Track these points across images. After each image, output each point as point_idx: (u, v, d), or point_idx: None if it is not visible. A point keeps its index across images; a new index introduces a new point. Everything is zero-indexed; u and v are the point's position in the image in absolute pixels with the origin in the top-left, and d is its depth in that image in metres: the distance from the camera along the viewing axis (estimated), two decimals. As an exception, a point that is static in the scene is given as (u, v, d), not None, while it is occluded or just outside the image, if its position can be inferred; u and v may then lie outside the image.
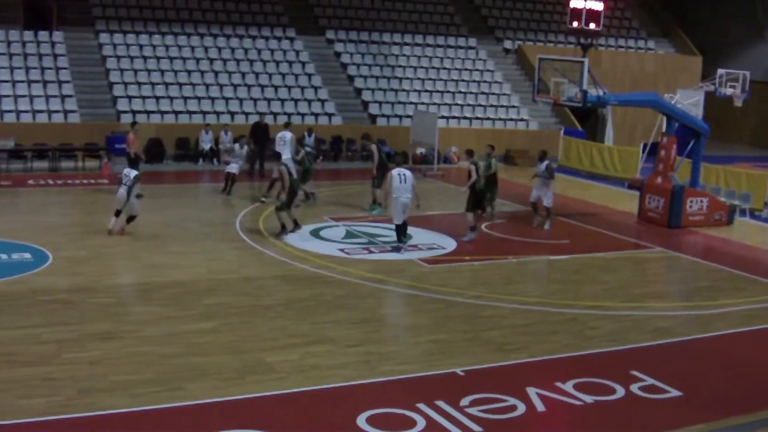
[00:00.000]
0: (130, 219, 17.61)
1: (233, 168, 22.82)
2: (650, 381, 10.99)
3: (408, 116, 31.76)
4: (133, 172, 17.44)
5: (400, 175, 17.19)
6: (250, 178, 25.54)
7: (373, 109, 32.60)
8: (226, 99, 30.53)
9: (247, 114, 30.07)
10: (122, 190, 17.31)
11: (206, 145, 28.26)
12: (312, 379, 10.61)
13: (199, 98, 30.23)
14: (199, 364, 10.86)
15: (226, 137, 28.37)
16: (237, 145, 23.38)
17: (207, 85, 30.84)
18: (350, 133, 30.77)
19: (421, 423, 9.44)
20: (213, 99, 30.43)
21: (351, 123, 31.51)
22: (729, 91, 31.64)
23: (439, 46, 36.71)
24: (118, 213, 17.50)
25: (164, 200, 22.01)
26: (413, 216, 18.09)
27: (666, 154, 21.79)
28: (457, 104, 34.05)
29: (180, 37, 32.59)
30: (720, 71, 32.21)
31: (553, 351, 12.06)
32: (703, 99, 30.92)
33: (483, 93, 35.02)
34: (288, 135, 22.50)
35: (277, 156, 21.46)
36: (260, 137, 26.51)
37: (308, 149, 26.22)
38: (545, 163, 20.16)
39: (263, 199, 21.73)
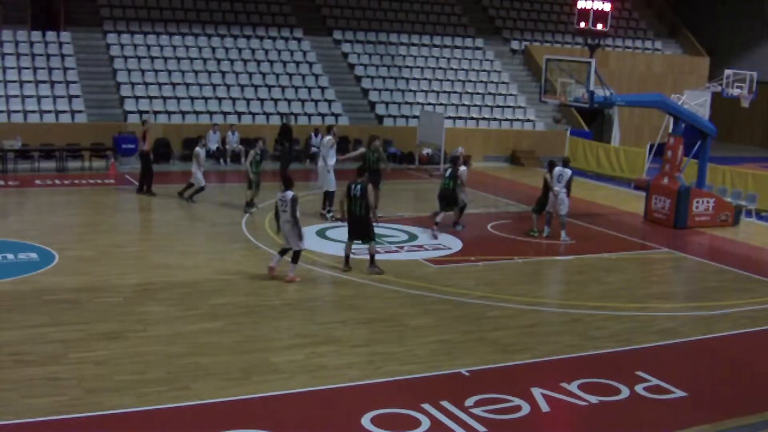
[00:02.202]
0: (296, 257, 14.77)
1: (198, 177, 21.51)
2: (655, 381, 10.98)
3: (415, 117, 31.79)
4: (290, 194, 14.44)
5: None
6: (273, 179, 25.45)
7: (380, 109, 32.61)
8: (234, 99, 30.60)
9: (254, 114, 30.17)
10: (285, 226, 14.55)
11: (213, 145, 28.34)
12: (317, 379, 10.62)
13: (206, 98, 30.29)
14: (205, 364, 10.89)
15: (233, 137, 28.49)
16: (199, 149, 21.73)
17: (214, 86, 30.90)
18: (357, 134, 30.77)
19: (426, 423, 9.44)
20: (220, 99, 30.50)
21: (358, 123, 31.53)
22: (736, 91, 31.57)
23: (446, 46, 36.71)
24: (284, 251, 14.90)
25: (171, 200, 22.04)
26: (419, 217, 18.08)
27: (672, 155, 21.77)
28: (463, 105, 34.04)
29: (187, 37, 32.68)
30: (727, 72, 32.15)
31: (558, 351, 12.06)
32: (709, 100, 30.89)
33: (490, 93, 35.00)
34: (326, 139, 21.06)
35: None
36: (286, 139, 26.49)
37: (314, 149, 26.25)
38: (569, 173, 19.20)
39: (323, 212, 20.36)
